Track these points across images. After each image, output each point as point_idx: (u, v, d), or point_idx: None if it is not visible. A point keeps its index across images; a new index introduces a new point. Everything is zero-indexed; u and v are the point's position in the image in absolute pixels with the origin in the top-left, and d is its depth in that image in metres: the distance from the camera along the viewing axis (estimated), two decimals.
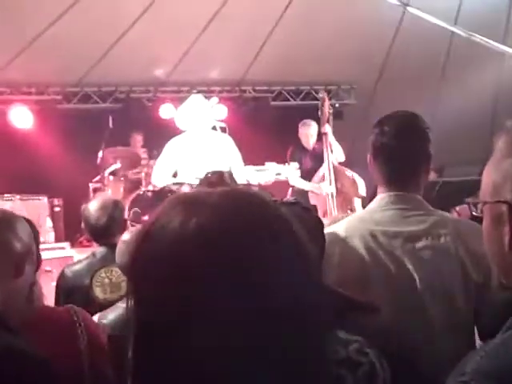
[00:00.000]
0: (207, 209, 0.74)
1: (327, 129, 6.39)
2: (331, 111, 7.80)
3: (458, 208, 3.90)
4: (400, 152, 1.90)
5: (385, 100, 7.31)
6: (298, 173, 6.17)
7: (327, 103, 6.61)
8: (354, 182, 6.27)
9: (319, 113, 6.52)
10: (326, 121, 6.48)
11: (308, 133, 6.97)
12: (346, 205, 6.12)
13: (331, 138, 6.42)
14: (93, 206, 3.11)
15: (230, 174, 1.98)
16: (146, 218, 5.56)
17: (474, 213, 0.99)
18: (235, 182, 1.96)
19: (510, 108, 7.68)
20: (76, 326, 1.54)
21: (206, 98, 5.91)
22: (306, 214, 1.64)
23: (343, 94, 8.70)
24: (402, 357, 1.59)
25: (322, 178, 6.31)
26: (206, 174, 2.08)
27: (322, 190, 6.23)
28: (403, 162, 1.91)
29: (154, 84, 8.26)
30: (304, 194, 6.39)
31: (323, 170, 6.31)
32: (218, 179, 1.96)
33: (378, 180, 1.98)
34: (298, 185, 6.55)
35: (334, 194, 6.20)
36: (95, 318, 2.29)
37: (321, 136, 6.50)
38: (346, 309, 1.41)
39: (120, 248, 2.42)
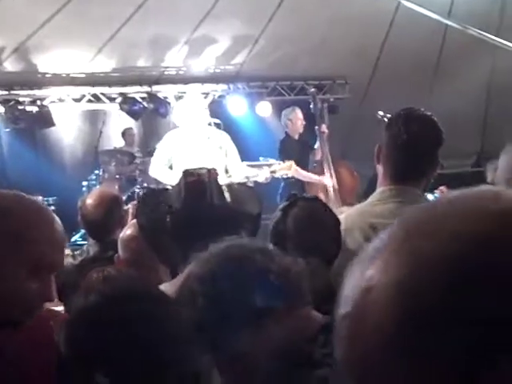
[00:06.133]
0: None
1: (323, 128, 6.32)
2: (325, 105, 7.77)
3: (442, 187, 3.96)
4: (416, 149, 1.92)
5: (379, 94, 7.29)
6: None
7: (318, 98, 6.52)
8: (353, 175, 6.23)
9: (312, 109, 6.42)
10: (321, 118, 6.41)
11: (299, 117, 6.79)
12: (346, 199, 6.06)
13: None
14: (90, 200, 2.94)
15: (214, 172, 1.85)
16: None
17: None
18: (216, 181, 1.85)
19: (504, 101, 7.68)
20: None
21: (201, 94, 5.90)
22: (327, 210, 1.63)
23: (338, 88, 8.67)
24: None
25: (322, 172, 6.23)
26: (186, 171, 1.92)
27: (324, 182, 6.18)
28: (416, 159, 1.93)
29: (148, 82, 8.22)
30: (299, 187, 6.27)
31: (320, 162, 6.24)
32: (198, 177, 1.83)
33: (383, 172, 1.97)
34: (299, 176, 6.43)
35: (336, 188, 6.14)
36: None
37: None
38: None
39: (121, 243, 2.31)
